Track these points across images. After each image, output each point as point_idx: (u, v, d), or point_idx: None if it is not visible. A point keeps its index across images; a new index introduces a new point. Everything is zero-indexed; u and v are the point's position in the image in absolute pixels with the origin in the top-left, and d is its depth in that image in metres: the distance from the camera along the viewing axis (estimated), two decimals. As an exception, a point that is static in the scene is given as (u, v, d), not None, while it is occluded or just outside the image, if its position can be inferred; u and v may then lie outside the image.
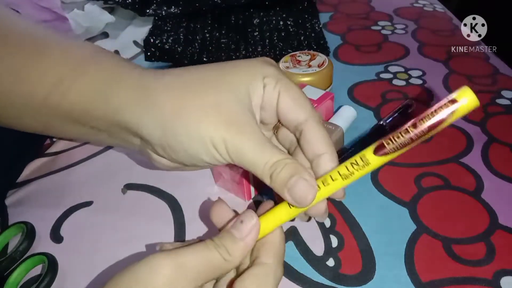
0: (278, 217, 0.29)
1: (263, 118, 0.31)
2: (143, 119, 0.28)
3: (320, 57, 0.56)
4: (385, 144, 0.26)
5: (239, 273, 0.28)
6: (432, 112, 0.25)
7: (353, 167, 0.27)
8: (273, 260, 0.28)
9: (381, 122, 0.51)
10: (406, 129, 0.26)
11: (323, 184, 0.28)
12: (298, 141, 0.30)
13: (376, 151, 0.27)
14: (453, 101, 0.24)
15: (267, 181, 0.28)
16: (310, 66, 0.54)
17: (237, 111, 0.28)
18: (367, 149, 0.27)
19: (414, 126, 0.26)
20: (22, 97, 0.30)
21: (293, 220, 0.34)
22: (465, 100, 0.24)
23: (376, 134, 0.50)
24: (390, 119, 0.52)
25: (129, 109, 0.28)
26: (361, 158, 0.27)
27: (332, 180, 0.28)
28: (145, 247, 0.40)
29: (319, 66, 0.54)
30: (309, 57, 0.56)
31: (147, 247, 0.40)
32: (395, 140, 0.26)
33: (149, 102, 0.28)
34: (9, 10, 0.34)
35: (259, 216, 0.29)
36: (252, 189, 0.44)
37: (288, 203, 0.29)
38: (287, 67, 0.54)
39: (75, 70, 0.30)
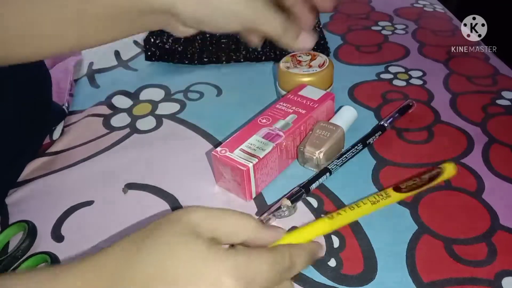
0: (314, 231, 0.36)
1: None
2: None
3: (321, 58, 0.55)
4: (401, 187, 0.40)
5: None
6: (428, 172, 0.42)
7: (379, 197, 0.38)
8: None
9: (382, 123, 0.51)
10: (415, 179, 0.41)
11: (357, 206, 0.37)
12: None
13: (395, 189, 0.39)
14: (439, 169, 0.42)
15: (278, 38, 0.38)
16: (310, 66, 0.54)
17: None
18: (390, 188, 0.39)
19: (419, 177, 0.41)
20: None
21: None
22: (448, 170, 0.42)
23: (377, 133, 0.50)
24: (391, 119, 0.52)
25: None
26: (385, 193, 0.38)
27: (364, 204, 0.37)
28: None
29: (319, 66, 0.54)
30: (309, 57, 0.56)
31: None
32: (407, 184, 0.40)
33: None
34: None
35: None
36: (253, 189, 0.43)
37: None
38: (288, 67, 0.54)
39: None
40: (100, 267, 0.27)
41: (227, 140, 0.44)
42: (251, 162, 0.42)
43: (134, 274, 0.26)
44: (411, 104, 0.55)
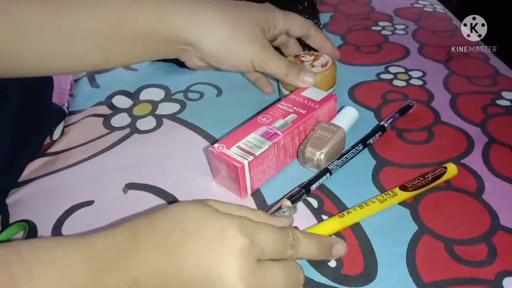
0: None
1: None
2: (204, 36, 0.44)
3: (324, 58, 0.55)
4: (407, 186, 0.43)
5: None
6: (432, 171, 0.44)
7: (386, 196, 0.42)
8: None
9: (382, 123, 0.51)
10: (419, 178, 0.44)
11: (366, 205, 0.41)
12: (306, 38, 0.55)
13: (401, 188, 0.42)
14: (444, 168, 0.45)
15: (282, 78, 0.49)
16: (313, 66, 0.54)
17: (263, 37, 0.48)
18: (396, 187, 0.43)
19: (423, 177, 0.44)
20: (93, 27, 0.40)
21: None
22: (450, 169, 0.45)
23: (377, 134, 0.50)
24: (391, 119, 0.52)
25: (188, 29, 0.43)
26: (392, 192, 0.42)
27: (372, 202, 0.41)
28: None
29: (322, 66, 0.54)
30: (312, 57, 0.56)
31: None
32: (413, 183, 0.43)
33: (207, 26, 0.44)
34: None
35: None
36: (249, 187, 0.44)
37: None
38: None
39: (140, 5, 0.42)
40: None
41: (225, 136, 0.45)
42: (247, 159, 0.42)
43: (148, 233, 0.29)
44: (411, 104, 0.55)
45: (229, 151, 0.43)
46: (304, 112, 0.48)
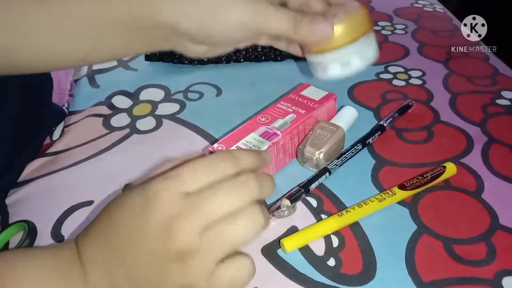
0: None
1: None
2: (182, 14, 0.35)
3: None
4: (406, 185, 0.43)
5: None
6: (431, 171, 0.44)
7: (385, 195, 0.42)
8: None
9: (382, 122, 0.51)
10: (418, 177, 0.43)
11: (365, 204, 0.41)
12: None
13: (400, 187, 0.42)
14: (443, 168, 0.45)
15: (291, 34, 0.35)
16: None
17: None
18: (395, 187, 0.43)
19: (422, 176, 0.44)
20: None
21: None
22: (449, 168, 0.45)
23: (376, 133, 0.50)
24: (390, 119, 0.52)
25: (168, 9, 0.35)
26: (391, 191, 0.42)
27: (371, 201, 0.41)
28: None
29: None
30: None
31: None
32: (411, 182, 0.43)
33: (185, 2, 0.35)
34: None
35: None
36: None
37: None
38: None
39: None
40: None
41: (225, 136, 0.45)
42: None
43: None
44: (410, 104, 0.55)
45: None
46: (303, 112, 0.48)
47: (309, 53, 0.37)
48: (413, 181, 0.43)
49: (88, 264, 0.29)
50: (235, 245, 0.27)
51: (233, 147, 0.43)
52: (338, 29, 0.34)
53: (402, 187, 0.42)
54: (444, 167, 0.45)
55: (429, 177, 0.43)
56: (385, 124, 0.51)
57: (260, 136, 0.44)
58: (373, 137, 0.50)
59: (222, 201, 0.27)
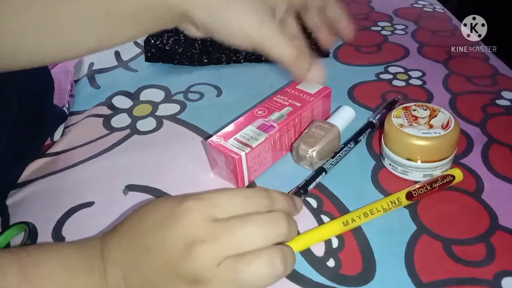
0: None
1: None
2: (195, 4, 0.37)
3: (443, 114, 0.44)
4: (413, 194, 0.42)
5: None
6: (440, 180, 0.43)
7: (392, 205, 0.41)
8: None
9: (370, 119, 0.52)
10: (425, 186, 0.42)
11: (371, 213, 0.40)
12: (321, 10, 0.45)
13: (408, 197, 0.42)
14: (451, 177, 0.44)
15: (287, 65, 0.39)
16: (431, 127, 0.43)
17: (264, 8, 0.38)
18: (402, 193, 0.42)
19: (430, 186, 0.42)
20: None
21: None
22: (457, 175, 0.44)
23: (367, 130, 0.50)
24: (379, 115, 0.52)
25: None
26: (397, 199, 0.41)
27: (378, 211, 0.40)
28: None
29: (443, 127, 0.43)
30: (428, 112, 0.45)
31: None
32: (419, 192, 0.42)
33: None
34: None
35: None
36: (246, 177, 0.45)
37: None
38: (401, 125, 0.43)
39: None
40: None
41: (223, 129, 0.46)
42: (244, 151, 0.43)
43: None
44: (396, 99, 0.55)
45: (227, 143, 0.44)
46: (299, 104, 0.48)
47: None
48: (420, 190, 0.42)
49: (110, 264, 0.30)
50: (247, 287, 0.28)
51: (231, 139, 0.43)
52: None
53: (409, 196, 0.42)
54: (453, 176, 0.43)
55: (437, 187, 0.43)
56: (374, 121, 0.51)
57: (257, 128, 0.45)
58: (364, 134, 0.50)
59: (249, 234, 0.28)
